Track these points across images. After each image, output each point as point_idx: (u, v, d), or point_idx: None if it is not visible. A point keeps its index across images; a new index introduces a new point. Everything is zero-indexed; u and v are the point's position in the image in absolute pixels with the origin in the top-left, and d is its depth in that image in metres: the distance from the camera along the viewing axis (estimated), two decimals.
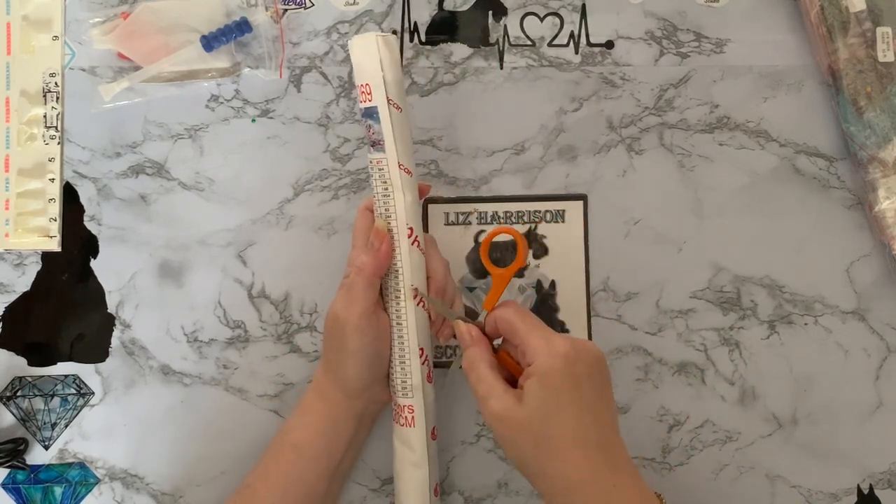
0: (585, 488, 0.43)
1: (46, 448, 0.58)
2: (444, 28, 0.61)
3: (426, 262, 0.53)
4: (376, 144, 0.51)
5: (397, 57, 0.50)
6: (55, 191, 0.53)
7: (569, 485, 0.43)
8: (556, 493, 0.44)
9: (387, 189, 0.51)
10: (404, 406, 0.52)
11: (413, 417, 0.52)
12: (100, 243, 0.59)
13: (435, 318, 0.53)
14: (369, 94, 0.50)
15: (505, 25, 0.61)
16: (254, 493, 0.52)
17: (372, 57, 0.49)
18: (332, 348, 0.52)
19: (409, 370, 0.52)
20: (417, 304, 0.52)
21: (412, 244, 0.51)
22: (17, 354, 0.58)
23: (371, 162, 0.52)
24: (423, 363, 0.52)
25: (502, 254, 0.59)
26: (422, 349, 0.52)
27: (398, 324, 0.52)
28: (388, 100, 0.50)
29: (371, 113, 0.50)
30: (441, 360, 0.59)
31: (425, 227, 0.59)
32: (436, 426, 0.53)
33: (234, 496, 0.53)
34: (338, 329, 0.50)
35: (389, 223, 0.51)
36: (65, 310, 0.59)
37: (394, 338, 0.52)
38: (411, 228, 0.51)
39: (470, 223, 0.60)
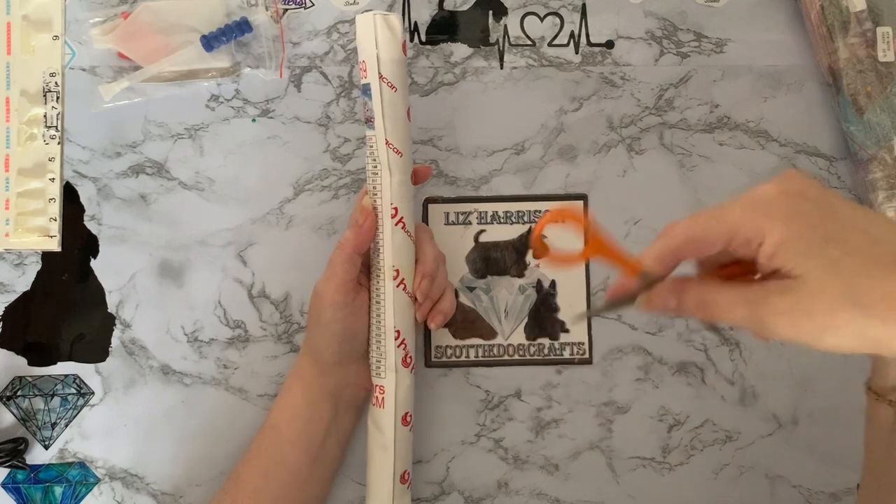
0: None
1: (46, 448, 0.58)
2: (444, 28, 0.61)
3: (416, 247, 0.53)
4: (369, 121, 0.51)
5: (398, 37, 0.50)
6: (55, 190, 0.53)
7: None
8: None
9: (376, 167, 0.52)
10: (377, 386, 0.53)
11: (383, 399, 0.52)
12: (100, 243, 0.59)
13: (422, 302, 0.53)
14: (365, 70, 0.51)
15: (505, 25, 0.61)
16: (238, 478, 0.53)
17: (369, 35, 0.50)
18: (310, 322, 0.53)
19: (384, 351, 0.52)
20: (398, 286, 0.52)
21: (396, 224, 0.52)
22: (17, 354, 0.58)
23: (366, 140, 0.52)
24: (398, 345, 0.52)
25: (502, 253, 0.59)
26: (398, 331, 0.52)
27: (377, 303, 0.52)
28: (381, 76, 0.50)
29: (366, 89, 0.51)
30: (441, 360, 0.58)
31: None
32: (410, 413, 0.53)
33: (224, 483, 0.54)
34: (316, 302, 0.51)
35: (375, 201, 0.52)
36: (65, 310, 0.59)
37: (372, 316, 0.53)
38: (396, 208, 0.51)
39: (470, 223, 0.60)
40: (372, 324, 0.53)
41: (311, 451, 0.53)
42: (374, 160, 0.52)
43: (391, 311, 0.52)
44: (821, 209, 0.35)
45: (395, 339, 0.52)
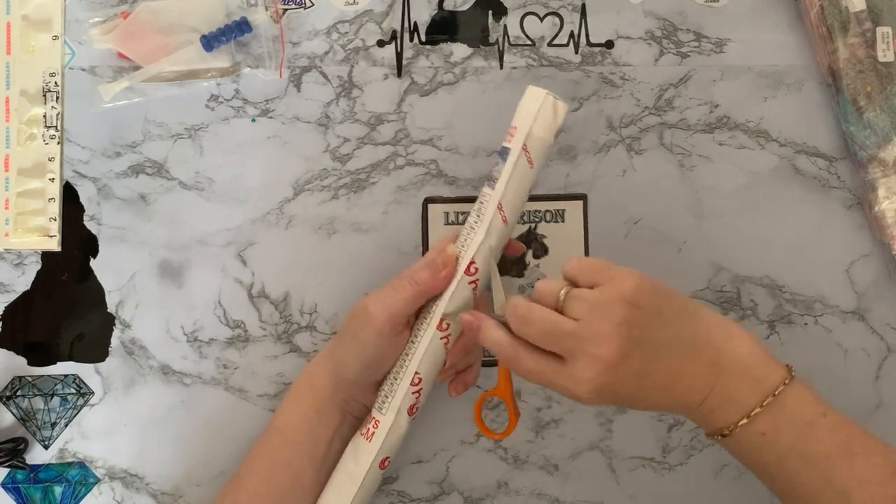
0: (691, 396, 0.46)
1: (46, 448, 0.58)
2: (444, 28, 0.61)
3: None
4: (492, 180, 0.51)
5: (558, 123, 0.51)
6: (55, 190, 0.53)
7: (672, 405, 0.46)
8: (663, 408, 0.47)
9: (476, 222, 0.51)
10: (373, 418, 0.52)
11: (373, 434, 0.51)
12: (100, 243, 0.59)
13: (448, 367, 0.52)
14: (512, 135, 0.51)
15: (505, 25, 0.61)
16: (240, 480, 0.53)
17: (533, 108, 0.50)
18: (346, 332, 0.52)
19: (396, 388, 0.51)
20: (441, 338, 0.51)
21: (470, 282, 0.51)
22: (17, 354, 0.58)
23: (480, 195, 0.52)
24: (413, 391, 0.51)
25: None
26: (420, 377, 0.51)
27: (412, 342, 0.51)
28: (525, 148, 0.50)
29: (504, 152, 0.51)
30: None
31: (424, 225, 0.59)
32: (391, 459, 0.52)
33: (225, 485, 0.54)
34: (362, 318, 0.50)
35: (459, 251, 0.51)
36: (65, 309, 0.59)
37: (402, 353, 0.52)
38: (477, 268, 0.51)
39: None
40: (398, 359, 0.52)
41: (316, 457, 0.52)
42: (479, 216, 0.51)
43: (421, 355, 0.51)
44: (643, 344, 0.44)
45: (412, 383, 0.51)
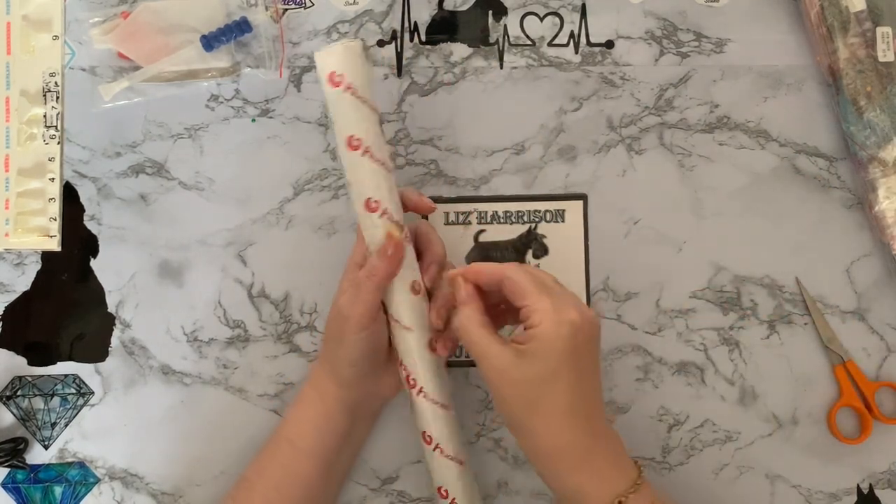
0: (567, 451, 0.46)
1: (46, 448, 0.58)
2: (444, 28, 0.61)
3: (424, 240, 0.53)
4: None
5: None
6: (55, 190, 0.53)
7: (551, 448, 0.46)
8: (539, 452, 0.47)
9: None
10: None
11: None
12: (100, 243, 0.59)
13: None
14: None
15: (505, 25, 0.61)
16: (251, 487, 0.52)
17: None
18: (330, 339, 0.53)
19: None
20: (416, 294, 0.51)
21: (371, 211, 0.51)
22: (17, 354, 0.59)
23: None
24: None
25: (501, 253, 0.59)
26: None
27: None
28: (349, 87, 0.49)
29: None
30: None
31: None
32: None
33: (231, 490, 0.53)
34: (340, 322, 0.51)
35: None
36: (65, 309, 0.59)
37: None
38: (374, 201, 0.50)
39: (470, 223, 0.60)
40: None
41: (326, 463, 0.53)
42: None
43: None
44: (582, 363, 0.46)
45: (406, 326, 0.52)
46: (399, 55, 0.61)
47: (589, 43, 0.61)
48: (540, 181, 0.60)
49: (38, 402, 0.58)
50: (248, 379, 0.59)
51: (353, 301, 0.50)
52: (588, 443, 0.46)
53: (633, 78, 0.61)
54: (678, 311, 0.59)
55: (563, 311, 0.45)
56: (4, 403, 0.58)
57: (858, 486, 0.58)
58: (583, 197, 0.60)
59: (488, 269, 0.49)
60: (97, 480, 0.58)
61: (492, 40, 0.61)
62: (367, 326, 0.50)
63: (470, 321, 0.48)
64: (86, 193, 0.60)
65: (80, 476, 0.58)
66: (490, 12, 0.61)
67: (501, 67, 0.61)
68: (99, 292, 0.59)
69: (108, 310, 0.59)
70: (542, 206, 0.60)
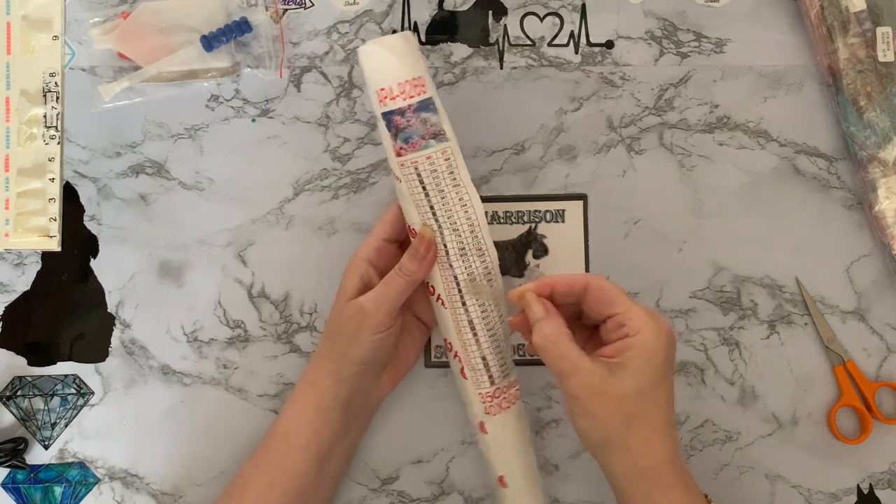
0: (665, 468, 0.44)
1: (46, 448, 0.58)
2: (444, 28, 0.61)
3: None
4: (437, 136, 0.50)
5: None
6: (55, 190, 0.53)
7: (650, 465, 0.44)
8: (635, 470, 0.45)
9: (455, 178, 0.51)
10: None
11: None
12: (100, 243, 0.59)
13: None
14: (422, 86, 0.50)
15: (505, 25, 0.61)
16: (244, 484, 0.52)
17: (416, 51, 0.50)
18: (340, 335, 0.52)
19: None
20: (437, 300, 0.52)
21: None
22: (17, 354, 0.59)
23: (421, 159, 0.50)
24: (454, 357, 0.53)
25: (501, 253, 0.59)
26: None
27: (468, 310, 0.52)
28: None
29: (426, 105, 0.50)
30: (441, 360, 0.59)
31: None
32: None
33: (227, 487, 0.53)
34: (357, 317, 0.50)
35: (435, 230, 0.51)
36: (65, 310, 0.59)
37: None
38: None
39: None
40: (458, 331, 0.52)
41: (320, 460, 0.52)
42: (453, 174, 0.51)
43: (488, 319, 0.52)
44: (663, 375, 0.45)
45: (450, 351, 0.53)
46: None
47: (589, 43, 0.61)
48: (540, 181, 0.60)
49: (38, 403, 0.58)
50: (248, 379, 0.59)
51: (379, 299, 0.50)
52: (680, 460, 0.45)
53: (633, 78, 0.61)
54: (678, 311, 0.59)
55: (657, 319, 0.45)
56: (4, 403, 0.58)
57: (858, 486, 0.58)
58: (583, 197, 0.60)
59: (565, 280, 0.48)
60: (97, 480, 0.58)
61: (492, 40, 0.61)
62: (389, 327, 0.50)
63: (559, 335, 0.46)
64: (86, 193, 0.60)
65: (80, 476, 0.58)
66: (490, 12, 0.61)
67: (501, 67, 0.61)
68: (99, 292, 0.59)
69: (108, 310, 0.59)
70: (542, 206, 0.60)
